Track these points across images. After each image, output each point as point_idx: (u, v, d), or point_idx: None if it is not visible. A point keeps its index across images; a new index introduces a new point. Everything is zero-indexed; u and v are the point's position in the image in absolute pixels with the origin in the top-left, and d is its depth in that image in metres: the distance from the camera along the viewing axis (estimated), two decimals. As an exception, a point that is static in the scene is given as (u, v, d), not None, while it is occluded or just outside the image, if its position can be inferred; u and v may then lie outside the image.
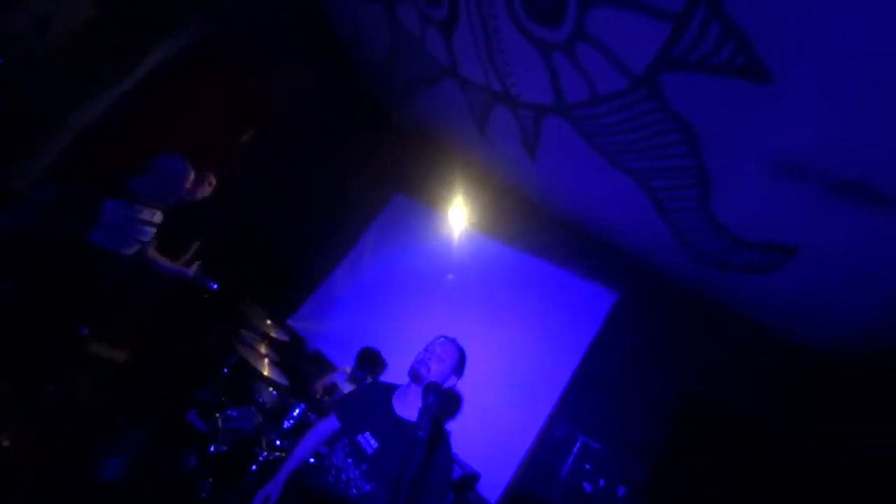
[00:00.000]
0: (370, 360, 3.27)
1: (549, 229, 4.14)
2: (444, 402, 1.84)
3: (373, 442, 1.77)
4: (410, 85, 4.04)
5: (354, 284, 4.59)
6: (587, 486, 2.90)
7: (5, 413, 2.13)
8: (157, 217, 2.57)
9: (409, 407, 1.83)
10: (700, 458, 2.74)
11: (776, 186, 2.18)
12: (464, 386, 3.56)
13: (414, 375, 1.85)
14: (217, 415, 2.69)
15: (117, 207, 2.39)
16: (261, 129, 3.92)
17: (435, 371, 1.83)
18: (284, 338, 3.47)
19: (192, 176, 2.64)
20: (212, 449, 2.50)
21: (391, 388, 1.96)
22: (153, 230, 2.57)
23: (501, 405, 3.59)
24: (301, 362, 3.87)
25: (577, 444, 3.00)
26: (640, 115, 2.56)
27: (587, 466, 2.89)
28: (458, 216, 4.42)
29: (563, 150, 3.30)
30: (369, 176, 4.81)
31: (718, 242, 2.64)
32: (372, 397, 1.94)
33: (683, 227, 2.83)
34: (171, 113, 3.18)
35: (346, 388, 3.17)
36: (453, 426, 3.53)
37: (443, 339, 1.98)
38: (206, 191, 2.79)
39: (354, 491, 1.68)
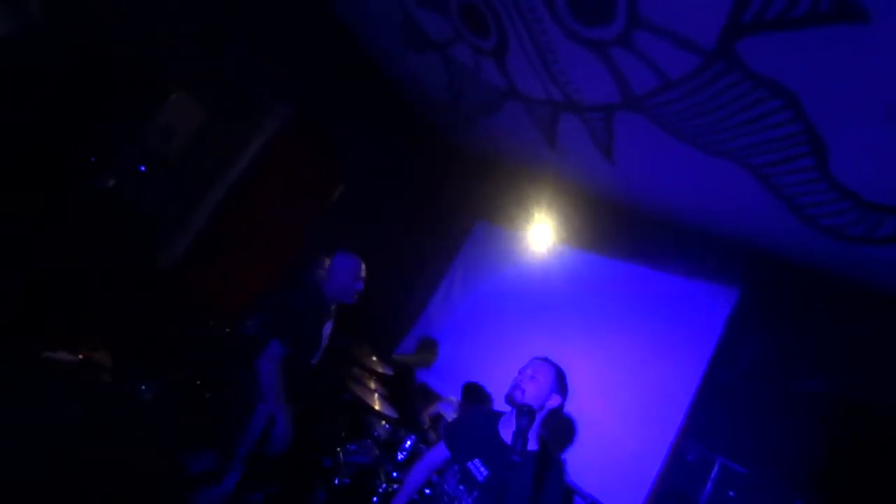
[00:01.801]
0: (475, 394, 3.29)
1: (643, 231, 3.85)
2: (549, 426, 1.77)
3: (483, 469, 1.76)
4: (475, 116, 4.18)
5: (450, 314, 4.70)
6: (736, 517, 2.48)
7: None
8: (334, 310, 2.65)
9: None
10: (872, 473, 2.19)
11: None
12: (577, 409, 3.38)
13: (509, 400, 1.82)
14: (339, 449, 2.90)
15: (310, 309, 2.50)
16: (348, 185, 4.34)
17: (530, 392, 1.79)
18: (390, 372, 3.65)
19: (363, 267, 2.67)
20: (336, 482, 2.69)
21: (497, 415, 1.95)
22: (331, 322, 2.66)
23: (621, 428, 3.30)
24: (408, 395, 4.02)
25: (716, 468, 2.61)
26: (724, 90, 2.32)
27: (731, 493, 2.49)
28: (544, 233, 4.32)
29: (642, 145, 3.10)
30: (450, 208, 4.99)
31: (852, 213, 2.21)
32: (479, 424, 1.95)
33: (805, 203, 2.43)
34: (273, 186, 3.71)
35: (452, 417, 3.20)
36: (570, 453, 3.33)
37: (535, 359, 1.94)
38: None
39: (469, 518, 1.68)
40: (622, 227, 3.96)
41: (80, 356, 2.22)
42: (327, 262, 2.78)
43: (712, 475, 2.61)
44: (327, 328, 2.61)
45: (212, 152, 3.10)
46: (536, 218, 4.35)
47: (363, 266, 2.67)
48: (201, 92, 2.86)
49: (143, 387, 2.35)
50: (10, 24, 2.41)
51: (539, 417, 1.79)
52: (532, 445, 1.77)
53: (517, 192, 4.50)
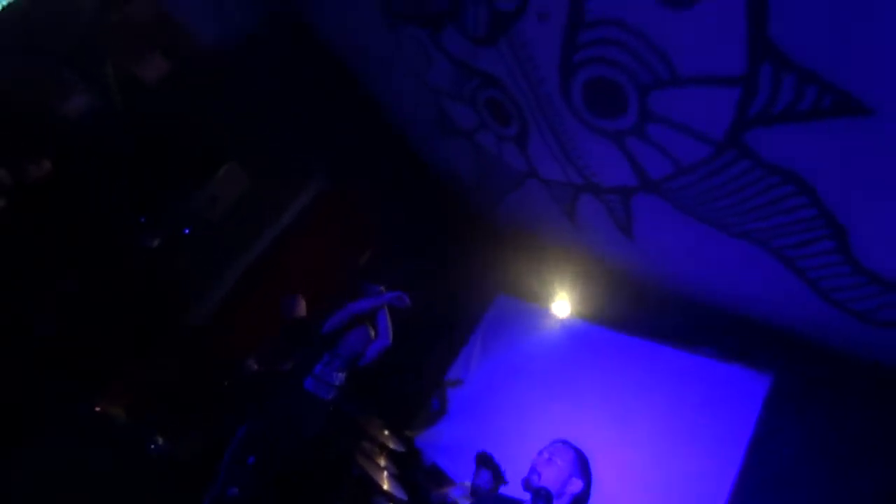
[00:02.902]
0: (487, 465, 3.10)
1: (669, 311, 3.76)
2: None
3: None
4: (499, 194, 4.40)
5: (466, 390, 4.55)
6: None
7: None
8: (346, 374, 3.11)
9: None
10: None
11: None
12: (601, 498, 3.14)
13: (526, 485, 1.73)
14: (342, 532, 2.70)
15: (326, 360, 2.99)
16: (375, 251, 4.53)
17: (546, 476, 1.69)
18: (401, 449, 3.49)
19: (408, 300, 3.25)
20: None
21: (517, 503, 1.84)
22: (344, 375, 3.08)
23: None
24: (419, 475, 3.78)
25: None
26: (737, 177, 2.42)
27: None
28: (566, 308, 4.27)
29: (661, 225, 3.16)
30: (472, 280, 5.04)
31: (881, 297, 2.16)
32: None
33: (830, 287, 2.39)
34: (305, 250, 3.90)
35: (465, 502, 2.98)
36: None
37: (554, 441, 1.87)
38: None
39: None
40: (647, 305, 3.89)
41: (97, 409, 2.25)
42: None
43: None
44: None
45: (251, 217, 3.34)
46: (558, 292, 4.33)
47: None
48: (248, 162, 3.18)
49: (153, 445, 2.33)
50: (91, 102, 2.81)
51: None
52: None
53: (539, 265, 4.55)
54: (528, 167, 3.60)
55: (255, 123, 3.40)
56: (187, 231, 2.86)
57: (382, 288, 3.33)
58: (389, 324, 3.24)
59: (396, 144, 4.54)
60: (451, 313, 4.95)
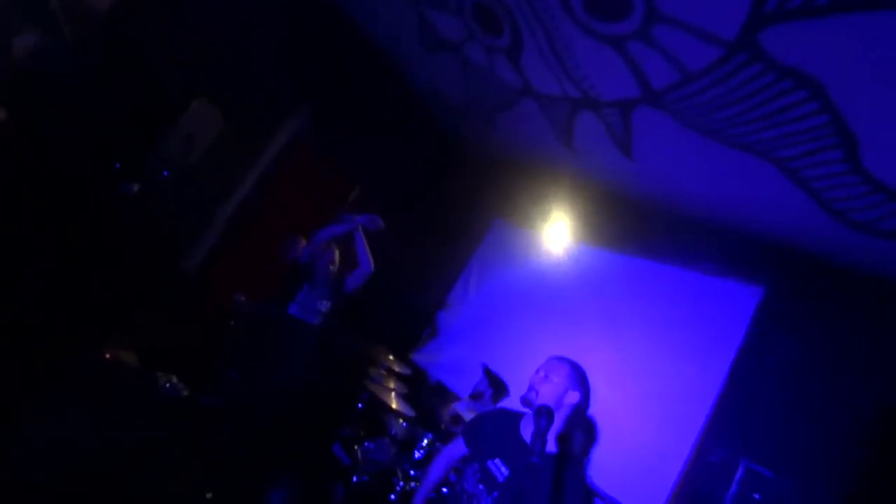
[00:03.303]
0: (492, 379, 3.29)
1: (663, 228, 3.76)
2: (570, 426, 1.73)
3: (503, 469, 1.75)
4: (490, 115, 4.16)
5: (467, 313, 4.69)
6: (762, 520, 2.41)
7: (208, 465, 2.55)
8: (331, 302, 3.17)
9: None
10: None
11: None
12: (597, 410, 3.36)
13: (525, 402, 1.81)
14: (356, 447, 2.93)
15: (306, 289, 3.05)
16: (364, 186, 4.39)
17: (544, 392, 1.76)
18: (407, 371, 3.67)
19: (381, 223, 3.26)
20: (354, 479, 2.72)
21: (518, 416, 1.93)
22: (329, 302, 3.15)
23: (643, 429, 3.24)
24: (425, 394, 4.03)
25: (741, 470, 2.54)
26: (746, 82, 2.25)
27: (756, 496, 2.42)
28: (561, 232, 4.26)
29: (662, 141, 3.03)
30: (467, 208, 4.97)
31: (885, 207, 2.12)
32: (500, 424, 1.93)
33: (833, 197, 2.34)
34: (292, 188, 3.77)
35: (469, 416, 3.20)
36: (590, 454, 3.29)
37: (550, 358, 1.91)
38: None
39: (487, 519, 1.67)
40: (641, 224, 3.88)
41: (108, 355, 2.30)
42: None
43: (737, 477, 2.54)
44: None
45: (231, 158, 3.18)
46: (553, 216, 4.29)
47: None
48: (221, 99, 2.93)
49: (168, 384, 2.43)
50: (40, 41, 2.51)
51: (562, 417, 1.75)
52: (552, 447, 1.74)
53: (534, 190, 4.46)
54: (522, 82, 3.35)
55: (223, 55, 3.09)
56: (166, 174, 2.72)
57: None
58: (367, 250, 3.26)
59: (380, 71, 4.19)
60: (448, 239, 4.94)
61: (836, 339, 2.64)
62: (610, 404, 3.36)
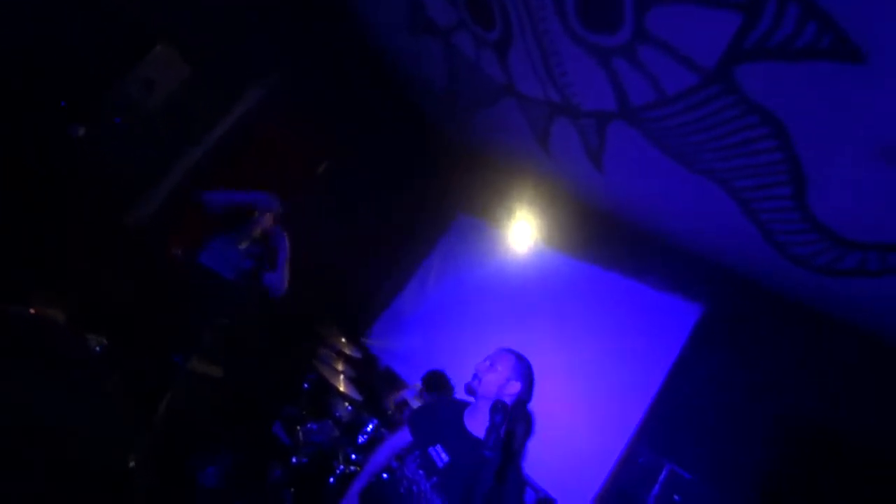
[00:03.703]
0: (437, 384, 3.30)
1: (624, 241, 3.93)
2: (513, 421, 1.78)
3: (444, 455, 1.77)
4: (470, 108, 4.14)
5: (423, 303, 4.69)
6: (678, 519, 2.62)
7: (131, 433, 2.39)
8: (255, 249, 2.87)
9: (479, 424, 1.81)
10: (813, 487, 2.35)
11: (884, 175, 1.89)
12: (538, 406, 3.47)
13: (468, 389, 1.85)
14: (298, 428, 2.86)
15: (223, 241, 2.77)
16: (332, 162, 4.24)
17: (487, 381, 1.81)
18: (358, 355, 3.62)
19: (276, 204, 2.92)
20: (294, 461, 2.66)
21: (463, 405, 1.96)
22: (251, 262, 2.84)
23: (579, 428, 3.41)
24: (374, 379, 4.01)
25: (664, 472, 2.74)
26: (716, 112, 2.38)
27: (676, 497, 2.62)
28: (525, 232, 4.35)
29: (631, 157, 3.15)
30: (434, 197, 4.95)
31: (820, 244, 2.32)
32: (444, 412, 1.96)
33: (776, 230, 2.54)
34: (254, 154, 3.57)
35: (416, 404, 3.21)
36: (526, 447, 3.41)
37: (498, 349, 1.96)
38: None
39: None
40: (600, 234, 4.04)
41: (33, 311, 2.09)
42: None
43: (660, 479, 2.73)
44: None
45: (194, 112, 2.95)
46: (518, 216, 4.38)
47: None
48: (188, 47, 2.70)
49: (98, 348, 2.25)
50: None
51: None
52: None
53: (502, 188, 4.51)
54: (506, 79, 3.35)
55: (195, 4, 2.85)
56: (118, 120, 2.47)
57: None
58: (286, 266, 2.96)
59: (363, 47, 4.04)
60: (413, 227, 4.91)
61: (758, 360, 2.90)
62: (550, 401, 3.50)
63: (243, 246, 2.81)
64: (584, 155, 3.45)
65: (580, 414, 3.46)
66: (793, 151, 2.10)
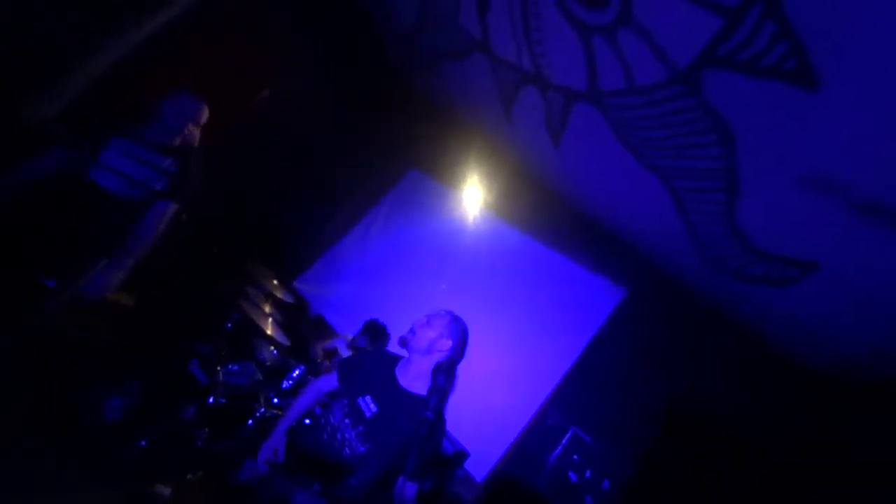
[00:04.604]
0: (374, 332, 3.29)
1: (563, 219, 4.09)
2: (438, 371, 1.80)
3: (372, 406, 1.79)
4: (437, 57, 3.93)
5: (363, 254, 4.59)
6: (573, 476, 2.95)
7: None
8: (168, 164, 2.20)
9: (410, 378, 1.84)
10: (686, 459, 2.77)
11: (805, 199, 2.11)
12: (462, 365, 3.60)
13: (402, 342, 1.88)
14: (218, 368, 2.73)
15: (122, 146, 2.12)
16: (275, 90, 3.83)
17: (420, 335, 1.84)
18: (289, 299, 3.49)
19: (205, 112, 2.33)
20: (210, 400, 2.54)
21: (396, 359, 1.97)
22: (164, 179, 2.18)
23: (498, 388, 3.62)
24: (303, 325, 3.91)
25: (568, 435, 3.03)
26: (676, 112, 2.47)
27: (575, 457, 2.93)
28: (473, 197, 4.36)
29: (588, 140, 3.22)
30: (386, 147, 4.74)
31: (737, 250, 2.59)
32: (376, 364, 1.96)
33: (703, 231, 2.77)
34: (191, 62, 3.10)
35: (346, 353, 3.20)
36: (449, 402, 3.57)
37: (437, 308, 1.99)
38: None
39: (347, 451, 1.70)
40: (544, 209, 4.16)
41: None
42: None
43: (564, 440, 3.02)
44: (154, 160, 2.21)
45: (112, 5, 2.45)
46: (469, 179, 4.36)
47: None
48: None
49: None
50: None
51: (433, 361, 1.80)
52: (420, 390, 1.80)
53: (457, 150, 4.43)
54: (482, 35, 3.20)
55: None
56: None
57: None
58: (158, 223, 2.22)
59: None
60: (361, 176, 4.69)
61: (661, 344, 3.26)
62: (475, 360, 3.67)
63: (166, 157, 2.18)
64: (544, 129, 3.45)
65: (501, 375, 3.67)
66: (734, 162, 2.27)
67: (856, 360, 2.71)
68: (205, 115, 2.36)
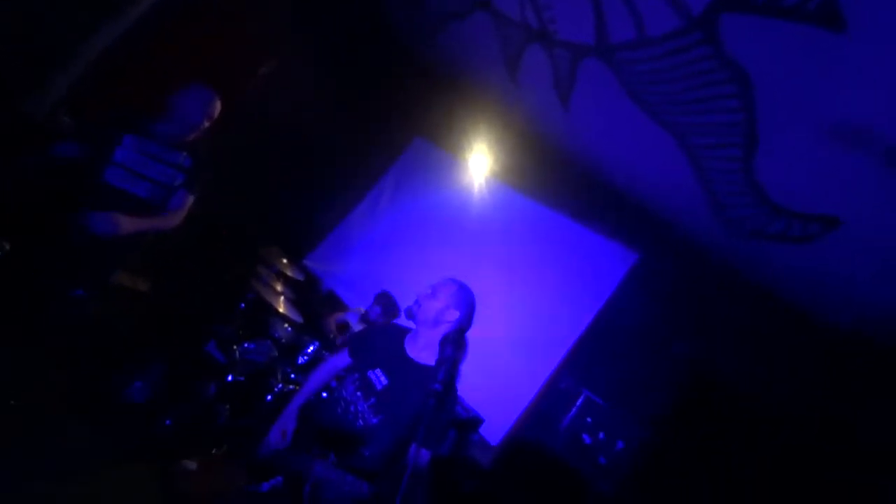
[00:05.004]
0: (386, 303, 3.31)
1: (574, 183, 3.98)
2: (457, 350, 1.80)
3: (383, 379, 1.81)
4: (441, 20, 3.74)
5: (371, 228, 4.58)
6: (586, 438, 2.99)
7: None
8: (184, 160, 2.23)
9: (419, 349, 1.84)
10: (700, 424, 2.77)
11: (828, 152, 1.99)
12: (475, 332, 3.62)
13: (408, 313, 1.86)
14: (235, 347, 2.79)
15: (136, 144, 2.11)
16: (280, 62, 3.72)
17: (427, 307, 1.82)
18: (300, 277, 3.52)
19: (217, 105, 2.27)
20: (229, 378, 2.62)
21: (404, 331, 1.97)
22: (181, 175, 2.22)
23: (511, 354, 3.65)
24: (315, 301, 3.96)
25: (581, 398, 3.06)
26: (691, 62, 2.32)
27: (588, 420, 2.96)
28: (481, 163, 4.26)
29: (598, 98, 3.06)
30: (391, 117, 4.62)
31: (756, 208, 2.48)
32: (385, 337, 1.97)
33: (720, 190, 2.65)
34: (188, 43, 3.01)
35: (358, 327, 3.24)
36: (461, 370, 3.62)
37: (442, 278, 1.96)
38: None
39: (361, 423, 1.74)
40: (556, 174, 4.05)
41: None
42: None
43: (577, 403, 3.05)
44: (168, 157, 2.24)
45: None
46: (477, 146, 4.24)
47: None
48: None
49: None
50: None
51: (441, 332, 1.77)
52: (430, 360, 1.78)
53: (463, 116, 4.29)
54: (483, -9, 3.02)
55: None
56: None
57: None
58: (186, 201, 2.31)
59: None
60: (366, 148, 4.60)
61: (675, 310, 3.20)
62: (487, 326, 3.68)
63: (180, 153, 2.18)
64: (552, 89, 3.30)
65: (514, 341, 3.69)
66: (752, 114, 2.13)
67: (877, 322, 2.63)
68: (217, 108, 2.30)
